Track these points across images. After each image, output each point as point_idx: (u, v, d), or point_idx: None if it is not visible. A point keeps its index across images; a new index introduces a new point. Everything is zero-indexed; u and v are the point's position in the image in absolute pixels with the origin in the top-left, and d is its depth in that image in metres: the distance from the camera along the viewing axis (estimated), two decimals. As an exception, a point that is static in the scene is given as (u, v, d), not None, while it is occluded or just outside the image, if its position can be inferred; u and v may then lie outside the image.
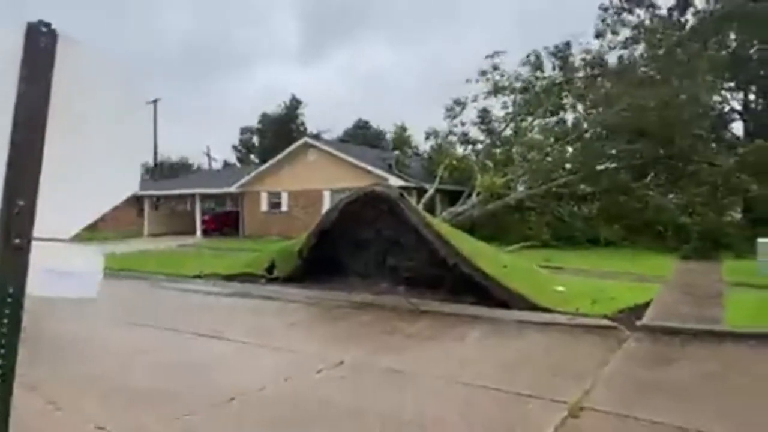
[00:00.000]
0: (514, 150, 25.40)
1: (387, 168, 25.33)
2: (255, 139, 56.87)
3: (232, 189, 28.84)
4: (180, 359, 7.01)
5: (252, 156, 55.97)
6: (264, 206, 28.40)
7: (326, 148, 27.46)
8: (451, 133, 27.18)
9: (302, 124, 53.54)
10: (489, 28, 77.27)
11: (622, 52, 24.19)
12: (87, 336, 8.16)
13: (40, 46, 1.68)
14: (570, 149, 23.36)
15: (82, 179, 1.75)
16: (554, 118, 25.87)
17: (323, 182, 25.49)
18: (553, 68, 25.56)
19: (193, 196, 31.95)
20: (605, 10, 25.12)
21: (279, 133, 49.52)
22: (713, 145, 22.57)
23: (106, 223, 31.32)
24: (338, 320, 9.54)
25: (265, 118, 54.18)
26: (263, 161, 35.52)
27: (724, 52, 23.49)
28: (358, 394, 5.68)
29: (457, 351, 7.48)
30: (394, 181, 22.02)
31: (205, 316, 9.81)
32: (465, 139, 27.59)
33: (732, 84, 26.16)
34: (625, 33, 24.31)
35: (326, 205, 21.81)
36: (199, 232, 30.11)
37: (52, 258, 1.72)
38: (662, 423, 4.70)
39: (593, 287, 10.97)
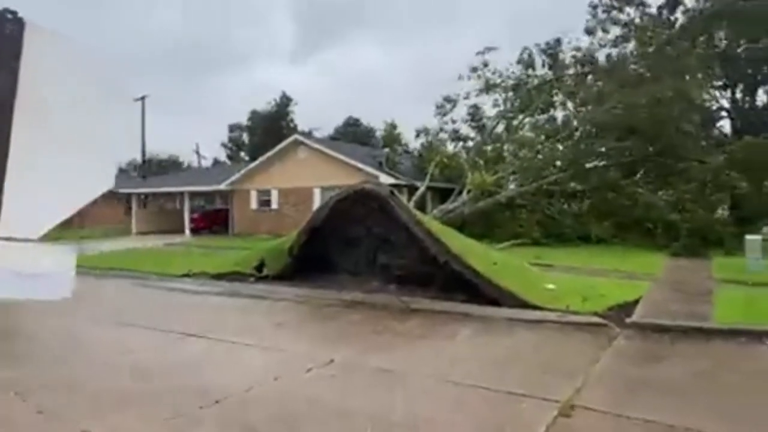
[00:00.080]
0: (505, 147, 25.42)
1: (378, 166, 25.23)
2: (245, 137, 56.52)
3: (222, 187, 28.60)
4: (167, 360, 6.91)
5: (242, 153, 55.64)
6: (254, 204, 28.20)
7: (316, 145, 27.30)
8: (441, 130, 27.16)
9: (292, 121, 53.29)
10: (481, 28, 77.35)
11: (612, 50, 24.32)
12: (73, 335, 8.02)
13: (5, 32, 1.58)
14: (560, 147, 23.40)
15: (51, 174, 1.65)
16: (545, 116, 25.93)
17: (313, 180, 25.35)
18: (543, 65, 25.60)
19: (181, 193, 31.65)
20: (594, 8, 25.18)
21: (269, 131, 49.22)
22: (703, 143, 22.72)
23: (94, 222, 31.00)
24: (328, 319, 9.46)
25: (255, 116, 53.83)
26: (253, 159, 35.28)
27: (711, 52, 23.63)
28: (347, 393, 5.61)
29: (447, 349, 7.43)
30: (385, 179, 21.92)
31: (193, 316, 9.69)
32: (456, 136, 27.58)
33: (720, 82, 26.35)
34: (616, 31, 24.42)
35: (316, 203, 21.68)
36: (187, 230, 29.83)
37: (20, 259, 1.62)
38: (654, 421, 4.67)
39: (583, 284, 10.97)
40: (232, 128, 57.14)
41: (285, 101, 53.32)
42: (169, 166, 54.84)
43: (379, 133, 33.88)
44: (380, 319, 9.17)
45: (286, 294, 11.23)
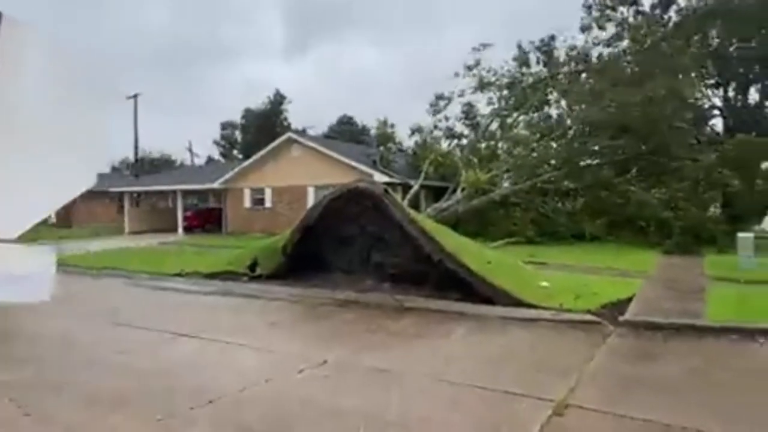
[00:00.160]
0: (499, 145, 25.41)
1: (372, 164, 25.18)
2: (238, 135, 56.27)
3: (215, 185, 28.45)
4: (159, 360, 6.84)
5: (235, 151, 55.40)
6: (247, 202, 28.08)
7: (310, 143, 27.19)
8: (436, 128, 27.13)
9: (286, 119, 53.11)
10: (477, 27, 77.09)
11: (606, 49, 24.36)
12: (65, 336, 7.92)
13: (-20, 26, 1.53)
14: (554, 145, 23.43)
15: (28, 173, 1.59)
16: (539, 114, 25.95)
17: (307, 178, 25.27)
18: (538, 62, 25.61)
19: (174, 192, 31.48)
20: (589, 8, 25.22)
21: (262, 129, 49.04)
22: (695, 141, 22.81)
23: (86, 221, 30.77)
24: (322, 318, 9.41)
25: (248, 114, 53.61)
26: (246, 157, 35.11)
27: (704, 51, 23.72)
28: (341, 393, 5.57)
29: (442, 348, 7.41)
30: (379, 177, 21.87)
31: (186, 316, 9.61)
32: (450, 134, 27.55)
33: (713, 81, 26.47)
34: (610, 29, 24.46)
35: (310, 202, 21.62)
36: (180, 229, 29.68)
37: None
38: (650, 420, 4.66)
39: (577, 282, 10.99)
40: (225, 126, 56.92)
41: (278, 99, 53.14)
42: (162, 165, 54.52)
43: (373, 132, 33.79)
44: (374, 318, 9.13)
45: (279, 293, 11.17)
